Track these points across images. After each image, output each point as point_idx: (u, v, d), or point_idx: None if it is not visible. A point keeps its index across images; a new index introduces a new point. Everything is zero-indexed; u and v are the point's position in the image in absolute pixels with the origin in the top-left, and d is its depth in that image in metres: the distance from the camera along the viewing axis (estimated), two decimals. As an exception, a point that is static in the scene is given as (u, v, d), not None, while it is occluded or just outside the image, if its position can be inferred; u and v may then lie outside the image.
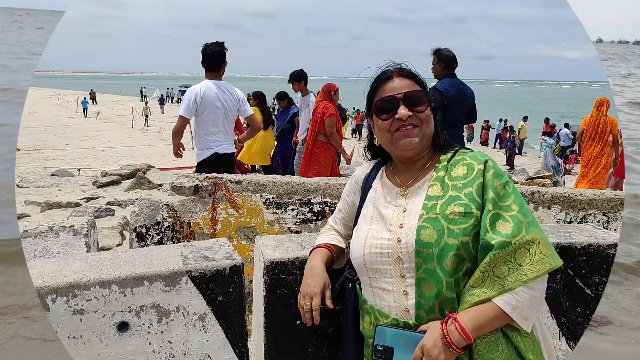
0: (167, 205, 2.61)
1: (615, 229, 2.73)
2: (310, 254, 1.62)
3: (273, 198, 2.68)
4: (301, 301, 1.53)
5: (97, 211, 6.96)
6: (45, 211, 7.67)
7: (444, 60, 4.59)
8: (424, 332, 1.26)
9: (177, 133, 4.11)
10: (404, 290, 1.32)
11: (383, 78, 1.43)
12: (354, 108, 33.82)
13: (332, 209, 2.70)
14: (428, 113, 1.39)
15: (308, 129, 6.46)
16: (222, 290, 1.71)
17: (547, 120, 23.14)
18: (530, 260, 1.21)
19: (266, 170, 8.85)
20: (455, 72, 4.70)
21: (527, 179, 10.21)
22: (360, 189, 1.56)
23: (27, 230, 2.33)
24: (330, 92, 6.04)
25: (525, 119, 22.65)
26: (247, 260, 2.56)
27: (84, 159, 14.70)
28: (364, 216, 1.48)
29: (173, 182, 2.69)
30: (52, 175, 10.70)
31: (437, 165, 1.41)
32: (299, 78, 6.84)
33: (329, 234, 1.67)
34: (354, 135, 28.23)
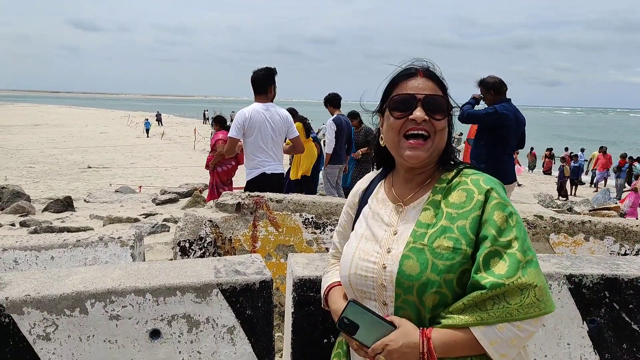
0: (210, 221, 2.71)
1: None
2: (326, 294, 1.48)
3: (312, 218, 2.71)
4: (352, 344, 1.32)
5: (153, 227, 7.27)
6: (107, 225, 8.10)
7: (492, 88, 4.52)
8: (392, 323, 1.20)
9: (227, 154, 4.26)
10: None
11: (406, 74, 1.31)
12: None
13: (370, 230, 2.70)
14: (444, 124, 1.28)
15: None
16: (251, 305, 1.74)
17: (624, 155, 21.39)
18: (520, 302, 1.12)
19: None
20: (509, 97, 4.61)
21: (590, 210, 9.69)
22: (357, 204, 1.48)
23: (79, 240, 2.49)
24: None
25: (602, 149, 21.09)
26: (285, 278, 2.59)
27: (148, 177, 15.43)
28: (355, 232, 1.40)
29: (217, 199, 2.78)
30: (116, 191, 11.31)
31: (436, 185, 1.30)
32: (325, 102, 7.11)
33: (335, 272, 1.53)
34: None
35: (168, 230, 7.29)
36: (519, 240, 1.17)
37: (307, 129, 8.81)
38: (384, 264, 1.24)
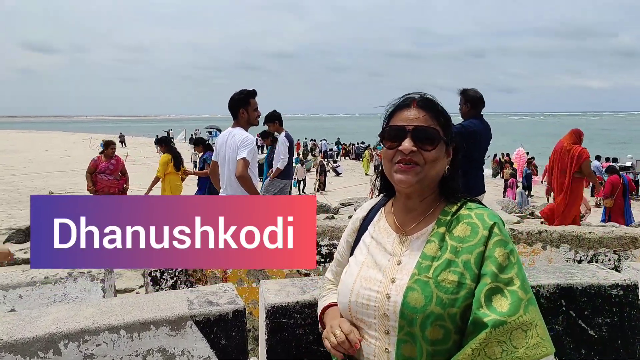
0: (181, 249, 2.72)
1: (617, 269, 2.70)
2: (321, 314, 1.50)
3: (282, 241, 2.76)
4: (330, 338, 1.35)
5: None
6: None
7: (471, 101, 4.67)
8: None
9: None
10: (386, 348, 1.26)
11: (402, 105, 1.34)
12: (379, 144, 34.02)
13: (340, 251, 2.77)
14: (435, 154, 1.28)
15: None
16: (225, 335, 1.77)
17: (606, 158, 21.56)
18: (526, 344, 1.12)
19: None
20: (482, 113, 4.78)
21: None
22: (356, 231, 1.50)
23: (47, 277, 2.46)
24: (580, 137, 6.82)
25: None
26: (258, 302, 2.62)
27: (113, 201, 15.07)
28: (355, 258, 1.41)
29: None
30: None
31: (440, 217, 1.31)
32: (272, 119, 7.09)
33: (333, 293, 1.55)
34: (376, 172, 28.30)
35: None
36: (519, 277, 1.18)
37: (177, 161, 8.95)
38: (387, 294, 1.25)
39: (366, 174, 28.26)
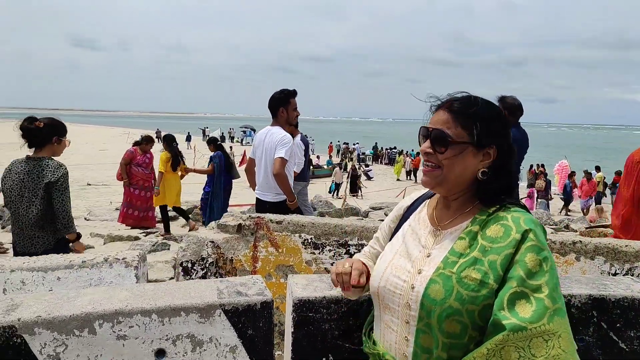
0: (212, 242, 2.78)
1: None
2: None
3: (311, 239, 2.79)
4: (338, 265, 1.51)
5: (154, 245, 7.32)
6: (107, 243, 8.15)
7: (509, 109, 4.62)
8: None
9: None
10: (406, 337, 1.30)
11: (436, 106, 1.40)
12: (412, 150, 33.88)
13: (368, 251, 2.78)
14: (449, 156, 1.30)
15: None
16: (252, 325, 1.81)
17: (619, 172, 20.76)
18: (546, 354, 1.09)
19: (177, 211, 9.20)
20: (520, 121, 4.71)
21: (587, 228, 9.77)
22: (399, 218, 1.56)
23: (85, 261, 2.56)
24: None
25: (587, 174, 20.21)
26: (285, 297, 2.66)
27: (147, 195, 15.44)
28: (391, 245, 1.47)
29: (219, 221, 2.86)
30: (116, 209, 11.38)
31: (476, 215, 1.33)
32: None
33: (365, 257, 1.65)
34: (408, 178, 28.10)
35: (168, 249, 7.34)
36: (549, 286, 1.15)
37: (175, 162, 8.89)
38: (412, 284, 1.29)
39: (398, 179, 28.06)
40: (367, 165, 30.41)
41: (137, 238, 8.50)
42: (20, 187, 3.40)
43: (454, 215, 1.37)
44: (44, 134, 3.44)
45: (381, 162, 37.34)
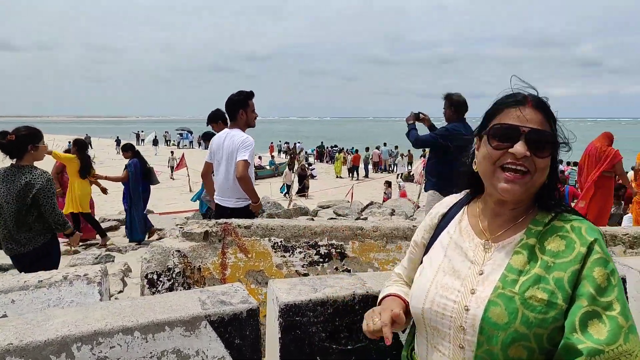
0: (178, 251, 2.68)
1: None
2: (379, 303, 1.41)
3: (281, 242, 2.76)
4: (368, 320, 1.25)
5: (96, 258, 6.97)
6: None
7: (455, 105, 4.79)
8: None
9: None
10: None
11: (514, 100, 1.20)
12: (352, 147, 34.35)
13: (339, 250, 2.78)
14: (548, 162, 1.17)
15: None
16: (239, 334, 1.76)
17: None
18: None
19: (86, 218, 8.74)
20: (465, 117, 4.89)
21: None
22: (433, 228, 1.38)
23: (41, 280, 2.38)
24: (611, 139, 7.26)
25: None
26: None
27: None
28: (430, 260, 1.30)
29: (183, 229, 2.77)
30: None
31: (530, 226, 1.19)
32: (216, 118, 6.56)
33: (398, 285, 1.45)
34: (351, 176, 28.51)
35: (113, 261, 7.02)
36: (620, 302, 1.06)
37: (84, 169, 8.20)
38: (466, 306, 1.15)
39: (338, 177, 28.38)
40: (309, 165, 30.54)
41: (76, 252, 8.05)
42: (7, 193, 3.59)
43: (505, 225, 1.22)
44: (18, 145, 3.62)
45: (325, 161, 37.62)
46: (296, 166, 22.41)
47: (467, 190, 1.38)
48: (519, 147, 1.13)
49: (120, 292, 5.50)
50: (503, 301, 1.10)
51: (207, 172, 4.29)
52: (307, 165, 24.46)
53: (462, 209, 1.34)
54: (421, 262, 1.35)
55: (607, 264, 1.09)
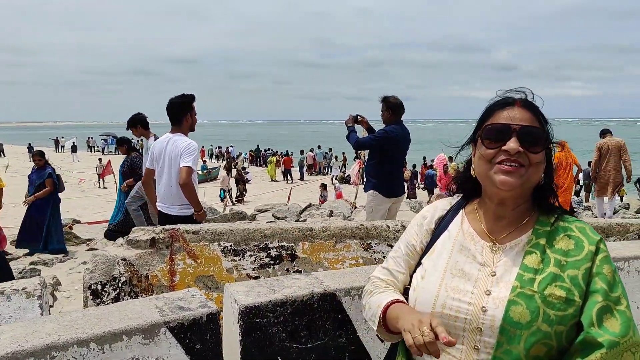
0: (124, 259, 2.59)
1: None
2: (384, 312, 1.28)
3: (231, 246, 2.74)
4: (415, 333, 1.09)
5: (21, 272, 6.52)
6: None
7: (392, 108, 4.95)
8: None
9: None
10: None
11: (503, 103, 1.24)
12: (286, 150, 34.31)
13: (289, 252, 2.80)
14: (541, 157, 1.20)
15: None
16: (199, 339, 1.75)
17: None
18: None
19: None
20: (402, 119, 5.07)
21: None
22: (431, 232, 1.36)
23: (-25, 296, 2.22)
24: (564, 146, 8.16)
25: (451, 159, 22.32)
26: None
27: (-4, 217, 13.61)
28: (434, 263, 1.28)
29: (128, 236, 2.68)
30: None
31: (536, 226, 1.22)
32: (134, 123, 6.35)
33: (392, 292, 1.35)
34: (286, 179, 28.52)
35: (39, 274, 6.59)
36: (625, 297, 1.14)
37: None
38: (483, 307, 1.15)
39: (272, 180, 28.32)
40: (243, 169, 30.24)
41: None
42: None
43: (510, 227, 1.24)
44: None
45: (259, 165, 37.32)
46: (234, 171, 22.15)
47: (460, 195, 1.39)
48: (512, 144, 1.17)
49: (51, 306, 5.19)
50: (524, 300, 1.12)
51: (149, 178, 4.14)
52: (243, 170, 24.24)
53: (460, 212, 1.35)
54: (418, 266, 1.33)
55: (611, 262, 1.17)
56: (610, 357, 1.07)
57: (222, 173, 20.11)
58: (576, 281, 1.13)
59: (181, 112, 3.93)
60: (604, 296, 1.12)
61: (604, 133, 9.35)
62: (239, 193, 20.65)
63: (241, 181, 21.29)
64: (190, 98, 3.97)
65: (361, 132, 5.33)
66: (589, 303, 1.12)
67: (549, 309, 1.11)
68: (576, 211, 11.69)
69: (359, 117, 5.17)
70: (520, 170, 1.17)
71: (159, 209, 3.95)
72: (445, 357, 1.19)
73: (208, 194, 19.53)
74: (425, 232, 1.37)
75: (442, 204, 1.40)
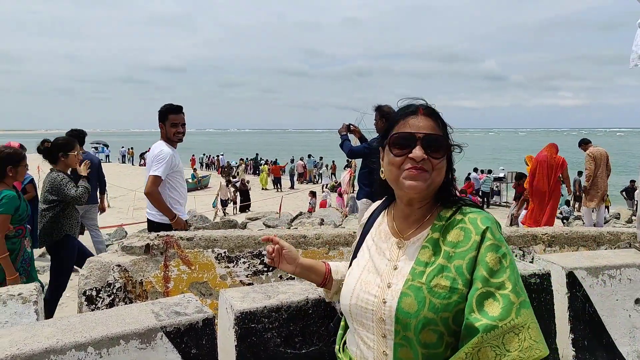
0: (119, 265, 2.61)
1: (531, 261, 3.11)
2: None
3: (225, 252, 2.77)
4: (268, 247, 1.53)
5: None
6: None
7: (386, 117, 5.01)
8: None
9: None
10: (384, 351, 1.28)
11: (407, 112, 1.33)
12: (275, 159, 34.30)
13: (283, 259, 2.84)
14: (443, 162, 1.30)
15: None
16: (195, 343, 1.78)
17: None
18: (519, 346, 1.13)
19: None
20: None
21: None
22: (362, 226, 1.52)
23: (-30, 302, 2.23)
24: (557, 149, 8.17)
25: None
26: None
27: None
28: (357, 261, 1.43)
29: (123, 243, 2.70)
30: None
31: (435, 222, 1.32)
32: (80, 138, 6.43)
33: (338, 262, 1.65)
34: (276, 187, 28.49)
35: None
36: (511, 281, 1.18)
37: None
38: (384, 299, 1.27)
39: (264, 189, 28.30)
40: (234, 177, 30.18)
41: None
42: None
43: (415, 224, 1.35)
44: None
45: (251, 173, 37.22)
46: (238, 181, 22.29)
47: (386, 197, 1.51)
48: (417, 152, 1.27)
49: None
50: (413, 291, 1.23)
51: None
52: (236, 180, 24.27)
53: (382, 213, 1.48)
54: (350, 265, 1.47)
55: (498, 249, 1.22)
56: (489, 340, 1.13)
57: (222, 182, 20.14)
58: (460, 270, 1.22)
59: (159, 121, 4.05)
60: (484, 283, 1.18)
61: (586, 143, 9.39)
62: (242, 200, 20.75)
63: (245, 191, 21.38)
64: (167, 109, 4.05)
65: (353, 140, 5.39)
66: (471, 291, 1.19)
67: (435, 298, 1.20)
68: (568, 220, 11.81)
69: (351, 126, 5.24)
70: (425, 174, 1.28)
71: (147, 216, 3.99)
72: (363, 345, 1.33)
73: (199, 202, 19.48)
74: (360, 227, 1.54)
75: (377, 204, 1.54)
